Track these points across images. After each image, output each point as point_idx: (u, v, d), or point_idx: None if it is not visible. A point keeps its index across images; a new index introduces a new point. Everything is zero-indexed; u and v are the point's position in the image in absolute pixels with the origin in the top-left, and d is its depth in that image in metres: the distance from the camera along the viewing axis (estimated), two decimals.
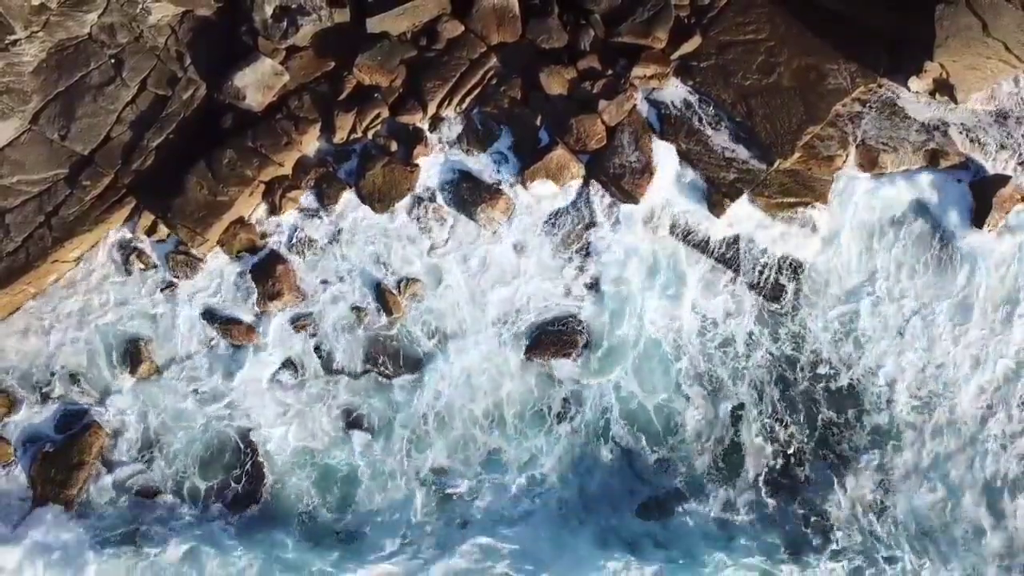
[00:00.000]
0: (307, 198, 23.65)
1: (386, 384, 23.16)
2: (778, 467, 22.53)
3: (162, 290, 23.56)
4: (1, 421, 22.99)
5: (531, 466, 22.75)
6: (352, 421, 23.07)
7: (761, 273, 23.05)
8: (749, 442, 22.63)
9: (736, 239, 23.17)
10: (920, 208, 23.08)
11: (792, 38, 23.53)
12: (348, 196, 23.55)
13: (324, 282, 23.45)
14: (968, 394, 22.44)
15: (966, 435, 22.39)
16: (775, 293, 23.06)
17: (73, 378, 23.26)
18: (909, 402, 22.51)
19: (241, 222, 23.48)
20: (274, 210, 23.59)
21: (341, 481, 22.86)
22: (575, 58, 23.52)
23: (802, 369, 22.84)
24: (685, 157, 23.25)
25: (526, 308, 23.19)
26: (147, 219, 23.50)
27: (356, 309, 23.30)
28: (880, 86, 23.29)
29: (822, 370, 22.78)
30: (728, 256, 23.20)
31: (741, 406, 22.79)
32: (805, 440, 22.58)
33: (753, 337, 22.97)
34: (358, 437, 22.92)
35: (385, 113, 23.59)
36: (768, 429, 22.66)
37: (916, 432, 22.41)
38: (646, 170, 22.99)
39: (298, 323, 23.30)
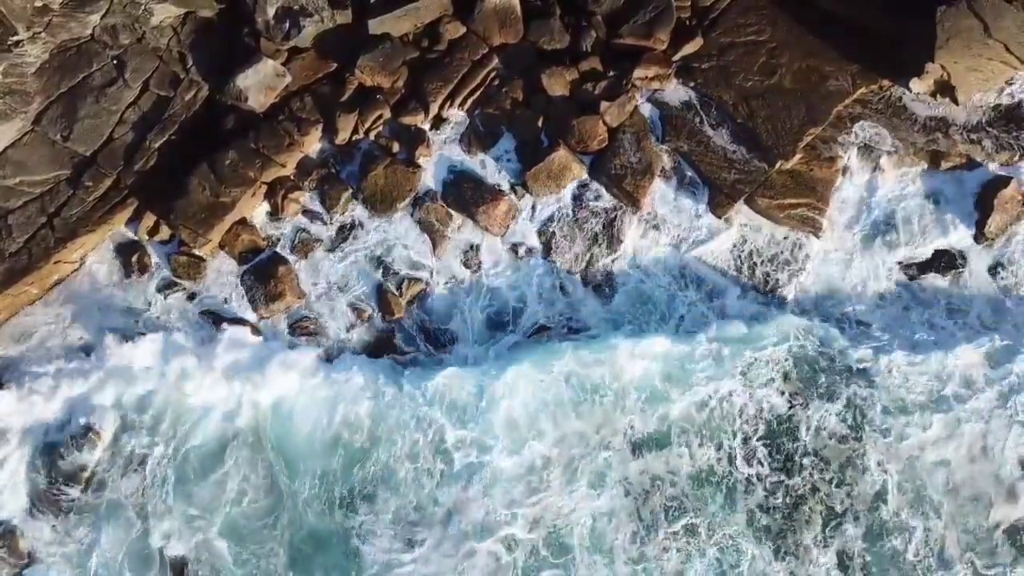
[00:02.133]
0: (309, 199, 23.69)
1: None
2: None
3: (163, 291, 23.56)
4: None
5: None
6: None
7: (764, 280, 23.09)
8: None
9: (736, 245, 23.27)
10: (921, 209, 23.15)
11: (793, 40, 23.56)
12: (350, 197, 23.57)
13: (326, 283, 23.47)
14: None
15: None
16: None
17: (72, 377, 23.19)
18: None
19: (243, 223, 23.51)
20: (276, 211, 23.63)
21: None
22: (577, 59, 23.56)
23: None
24: (687, 158, 23.35)
25: (527, 309, 23.21)
26: (149, 220, 23.54)
27: (357, 310, 23.32)
28: (881, 87, 23.31)
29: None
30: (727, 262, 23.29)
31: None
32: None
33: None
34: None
35: (387, 114, 23.63)
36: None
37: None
38: (648, 171, 23.05)
39: (299, 324, 23.31)
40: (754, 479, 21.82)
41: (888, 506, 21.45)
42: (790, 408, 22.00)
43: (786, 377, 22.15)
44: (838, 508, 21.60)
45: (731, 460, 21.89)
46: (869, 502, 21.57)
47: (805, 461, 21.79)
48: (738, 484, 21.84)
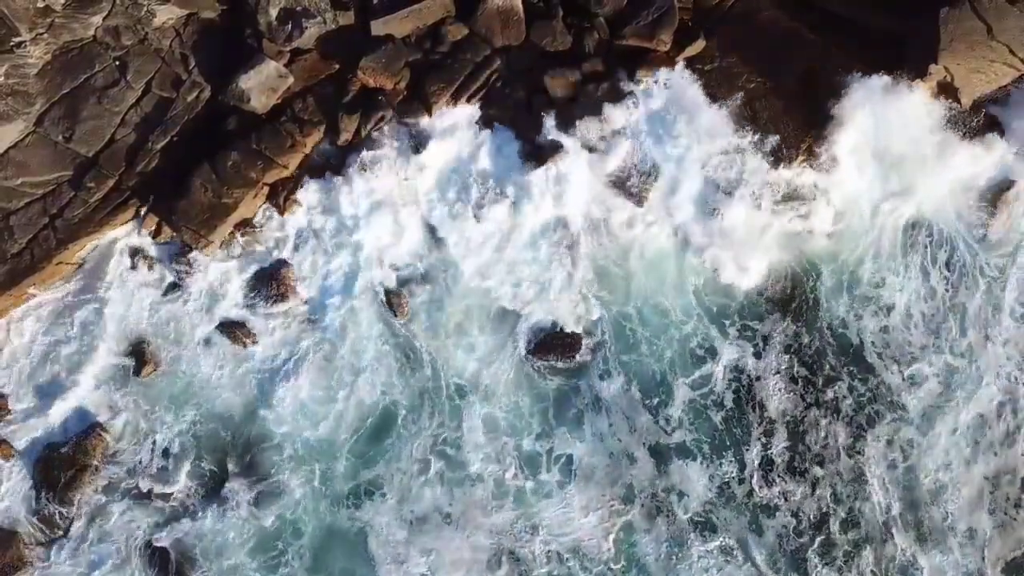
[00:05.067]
0: (311, 200, 23.64)
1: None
2: None
3: (165, 292, 23.51)
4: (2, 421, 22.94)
5: None
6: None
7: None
8: None
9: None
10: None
11: (796, 41, 23.55)
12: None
13: (329, 283, 23.43)
14: None
15: None
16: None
17: (76, 379, 23.18)
18: None
19: (245, 224, 23.49)
20: (278, 212, 23.60)
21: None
22: (579, 61, 23.54)
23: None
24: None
25: (530, 308, 23.27)
26: (151, 221, 23.45)
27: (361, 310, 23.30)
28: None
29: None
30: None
31: None
32: None
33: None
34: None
35: (389, 115, 23.62)
36: None
37: None
38: (651, 171, 23.06)
39: (302, 326, 23.28)
40: None
41: None
42: None
43: None
44: None
45: None
46: None
47: None
48: None
